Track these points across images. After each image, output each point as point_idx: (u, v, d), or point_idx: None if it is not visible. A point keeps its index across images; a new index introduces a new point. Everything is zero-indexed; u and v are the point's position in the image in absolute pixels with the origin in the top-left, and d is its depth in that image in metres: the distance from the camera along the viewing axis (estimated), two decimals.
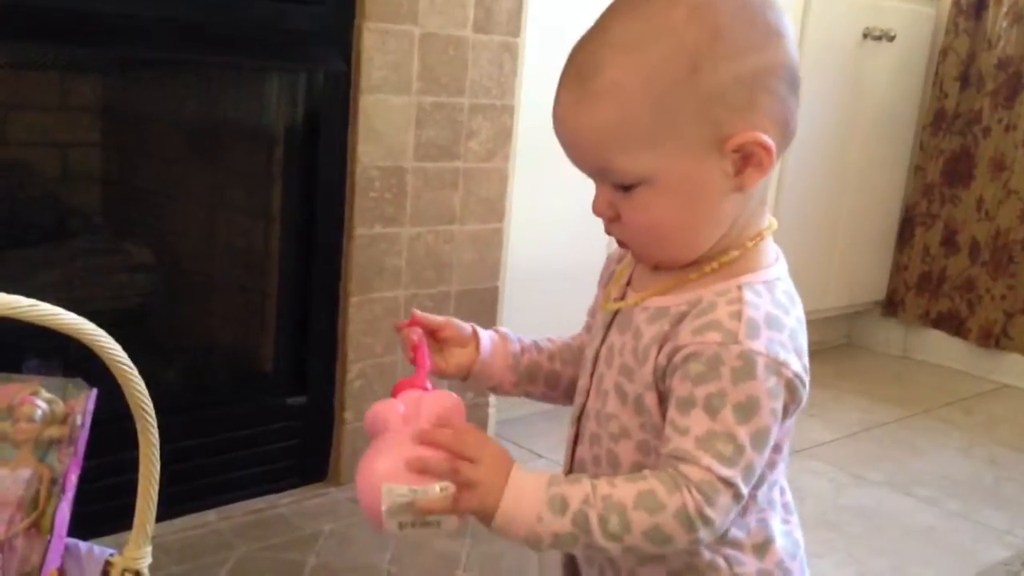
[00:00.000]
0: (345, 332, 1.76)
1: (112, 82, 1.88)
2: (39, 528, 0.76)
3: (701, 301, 0.76)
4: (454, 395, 0.79)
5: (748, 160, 0.74)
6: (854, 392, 2.66)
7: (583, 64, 0.74)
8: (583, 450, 0.85)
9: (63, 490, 0.77)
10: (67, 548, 0.78)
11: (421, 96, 1.74)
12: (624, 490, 0.72)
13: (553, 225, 2.04)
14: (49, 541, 0.76)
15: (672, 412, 0.74)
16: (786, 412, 0.75)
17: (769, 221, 0.81)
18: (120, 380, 0.70)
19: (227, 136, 1.83)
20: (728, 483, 0.72)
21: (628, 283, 0.85)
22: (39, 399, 0.78)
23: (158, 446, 0.74)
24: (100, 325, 0.67)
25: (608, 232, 0.80)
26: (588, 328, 0.91)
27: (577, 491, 0.73)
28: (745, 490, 0.73)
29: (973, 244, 2.85)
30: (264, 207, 1.76)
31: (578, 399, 0.87)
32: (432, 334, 0.88)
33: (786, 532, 0.83)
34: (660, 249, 0.78)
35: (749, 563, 0.80)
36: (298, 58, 1.66)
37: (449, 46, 1.76)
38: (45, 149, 1.86)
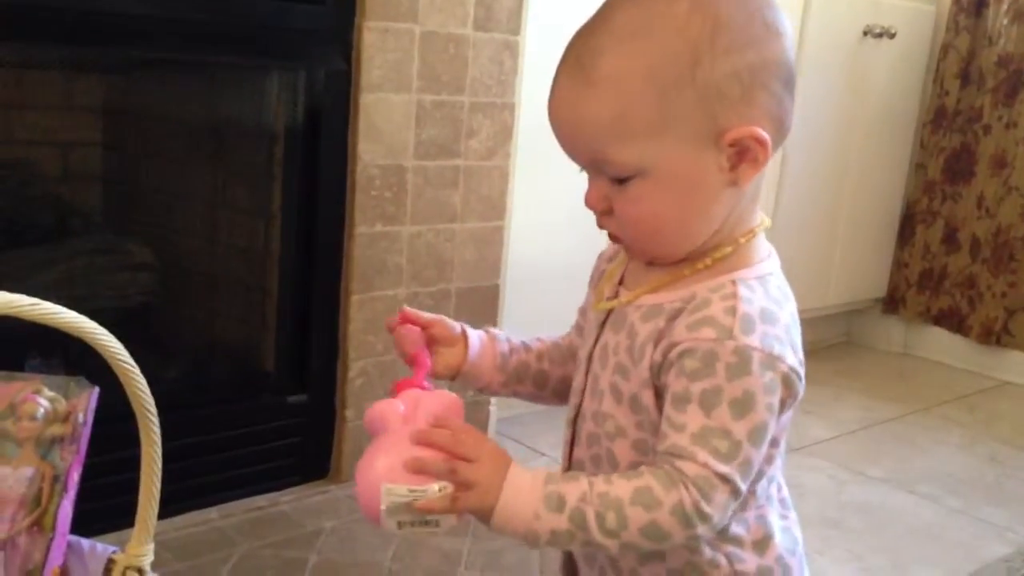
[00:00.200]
0: (346, 330, 1.76)
1: (113, 81, 1.88)
2: (41, 526, 0.77)
3: (695, 297, 0.76)
4: (453, 394, 0.79)
5: (744, 155, 0.74)
6: (855, 389, 2.66)
7: (583, 53, 0.74)
8: (580, 451, 0.85)
9: (65, 488, 0.78)
10: (69, 546, 0.79)
11: (421, 94, 1.74)
12: (620, 487, 0.73)
13: (554, 223, 2.04)
14: (51, 539, 0.76)
15: (668, 408, 0.74)
16: (783, 407, 0.75)
17: (761, 218, 0.81)
18: (122, 378, 0.70)
19: (228, 135, 1.83)
20: (725, 479, 0.72)
21: (620, 282, 0.84)
22: (41, 397, 0.79)
23: (160, 444, 0.74)
24: (102, 324, 0.68)
25: (600, 226, 0.80)
26: (579, 328, 0.91)
27: (574, 488, 0.73)
28: (742, 486, 0.73)
29: (974, 241, 2.85)
30: (265, 206, 1.76)
31: (573, 400, 0.86)
32: (422, 331, 0.88)
33: (784, 528, 0.83)
34: (653, 243, 0.78)
35: (749, 560, 0.80)
36: (299, 57, 1.66)
37: (449, 44, 1.76)
38: (47, 148, 1.86)
